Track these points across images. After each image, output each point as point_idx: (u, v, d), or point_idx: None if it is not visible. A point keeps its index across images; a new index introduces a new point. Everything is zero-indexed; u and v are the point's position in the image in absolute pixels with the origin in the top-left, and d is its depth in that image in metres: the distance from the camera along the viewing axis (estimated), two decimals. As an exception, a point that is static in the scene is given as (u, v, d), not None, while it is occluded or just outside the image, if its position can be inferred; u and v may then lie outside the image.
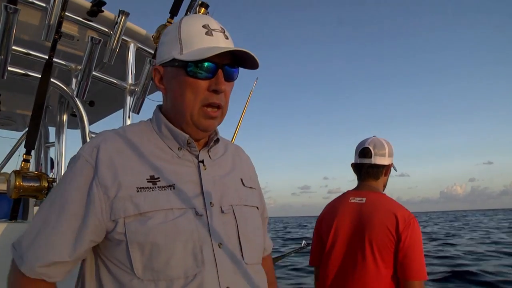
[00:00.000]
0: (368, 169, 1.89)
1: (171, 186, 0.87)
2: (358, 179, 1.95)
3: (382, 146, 1.90)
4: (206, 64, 0.88)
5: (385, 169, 1.91)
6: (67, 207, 0.83)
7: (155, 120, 0.99)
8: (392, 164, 1.94)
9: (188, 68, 0.88)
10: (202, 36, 0.89)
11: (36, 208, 2.02)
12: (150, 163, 0.89)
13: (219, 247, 0.87)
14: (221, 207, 0.92)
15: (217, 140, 1.01)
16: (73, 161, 0.90)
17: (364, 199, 1.83)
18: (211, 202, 0.90)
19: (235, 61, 0.93)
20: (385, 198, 1.83)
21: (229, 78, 0.92)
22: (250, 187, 1.06)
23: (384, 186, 1.97)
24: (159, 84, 0.97)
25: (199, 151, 0.96)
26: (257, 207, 1.05)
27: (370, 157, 1.88)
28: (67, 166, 0.91)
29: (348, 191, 1.97)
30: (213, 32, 0.90)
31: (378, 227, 1.71)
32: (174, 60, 0.90)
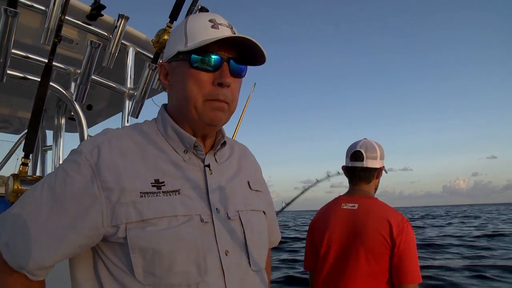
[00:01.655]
0: (360, 173, 1.87)
1: (176, 191, 0.83)
2: (350, 182, 1.93)
3: (374, 149, 1.88)
4: (210, 56, 0.85)
5: (377, 172, 1.89)
6: (61, 205, 0.78)
7: (160, 120, 0.95)
8: (383, 167, 1.93)
9: (192, 60, 0.85)
10: (208, 29, 0.87)
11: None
12: (155, 166, 0.85)
13: (226, 254, 0.84)
14: (227, 213, 0.89)
15: (224, 143, 0.97)
16: (72, 156, 0.85)
17: (356, 205, 1.81)
18: (217, 209, 0.87)
19: (242, 58, 0.90)
20: (377, 204, 1.82)
21: (236, 73, 0.89)
22: (257, 190, 1.03)
23: (376, 189, 1.96)
24: (164, 80, 0.94)
25: (206, 154, 0.93)
26: (263, 211, 1.03)
27: (362, 160, 1.86)
28: (64, 160, 0.86)
29: (340, 196, 1.95)
30: (219, 26, 0.88)
31: (372, 234, 1.70)
32: (178, 53, 0.88)
